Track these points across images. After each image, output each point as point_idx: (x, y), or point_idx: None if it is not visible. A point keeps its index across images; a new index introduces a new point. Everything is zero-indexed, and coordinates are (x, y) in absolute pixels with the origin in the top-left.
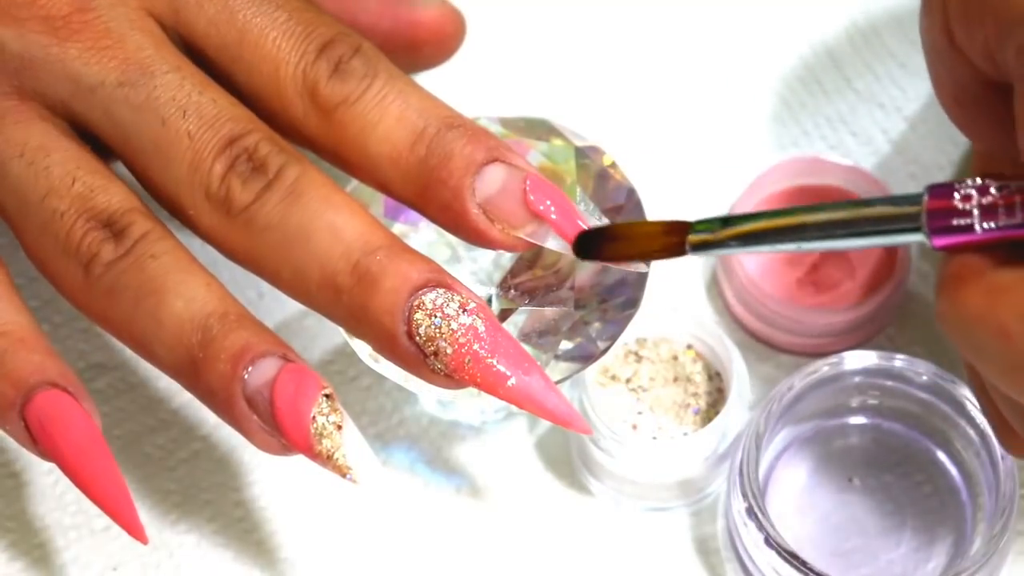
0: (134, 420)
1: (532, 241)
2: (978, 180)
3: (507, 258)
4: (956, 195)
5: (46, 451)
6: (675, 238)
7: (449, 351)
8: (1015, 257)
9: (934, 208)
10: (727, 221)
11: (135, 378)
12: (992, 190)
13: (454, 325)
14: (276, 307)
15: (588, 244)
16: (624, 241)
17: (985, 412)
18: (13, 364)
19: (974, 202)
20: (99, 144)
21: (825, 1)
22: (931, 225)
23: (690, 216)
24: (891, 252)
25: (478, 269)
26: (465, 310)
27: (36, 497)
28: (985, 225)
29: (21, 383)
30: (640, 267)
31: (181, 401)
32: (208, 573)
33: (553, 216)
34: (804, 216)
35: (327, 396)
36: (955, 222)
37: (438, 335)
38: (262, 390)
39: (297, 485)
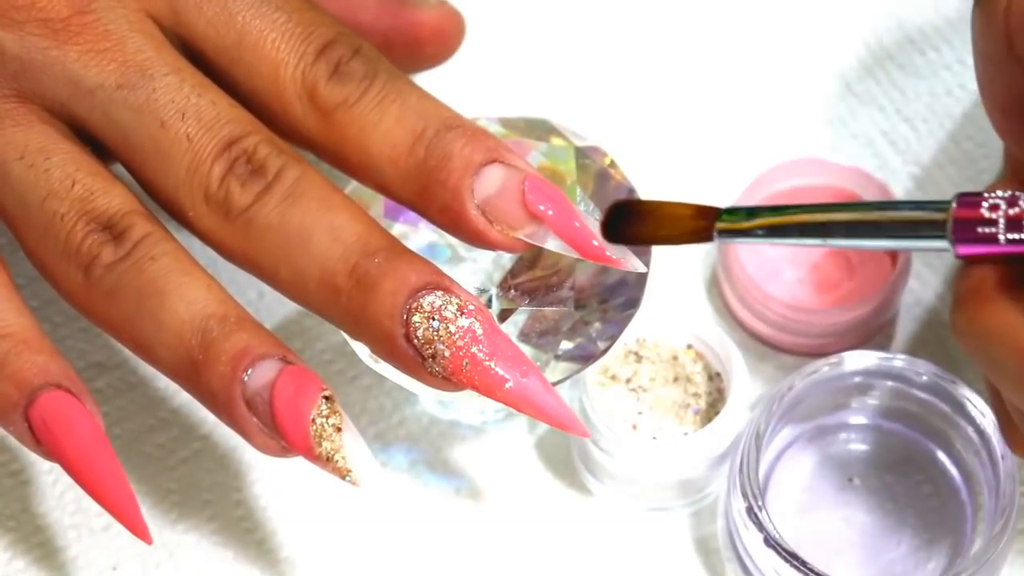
0: (134, 419)
1: (531, 242)
2: (1008, 191)
3: (507, 258)
4: (984, 204)
5: (49, 451)
6: (703, 222)
7: (447, 354)
8: None
9: (961, 216)
10: (754, 212)
11: (135, 377)
12: (1021, 202)
13: (452, 328)
14: (276, 307)
15: (616, 219)
16: (652, 220)
17: (997, 417)
18: (16, 365)
19: (1001, 212)
20: (99, 146)
21: (825, 3)
22: (956, 233)
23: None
24: (892, 253)
25: (478, 269)
26: (463, 313)
27: (36, 497)
28: (1010, 236)
29: (24, 384)
30: (640, 267)
31: (181, 401)
32: (208, 573)
33: (552, 217)
34: (832, 214)
35: (327, 398)
36: (980, 231)
37: (436, 338)
38: (262, 392)
39: (297, 485)
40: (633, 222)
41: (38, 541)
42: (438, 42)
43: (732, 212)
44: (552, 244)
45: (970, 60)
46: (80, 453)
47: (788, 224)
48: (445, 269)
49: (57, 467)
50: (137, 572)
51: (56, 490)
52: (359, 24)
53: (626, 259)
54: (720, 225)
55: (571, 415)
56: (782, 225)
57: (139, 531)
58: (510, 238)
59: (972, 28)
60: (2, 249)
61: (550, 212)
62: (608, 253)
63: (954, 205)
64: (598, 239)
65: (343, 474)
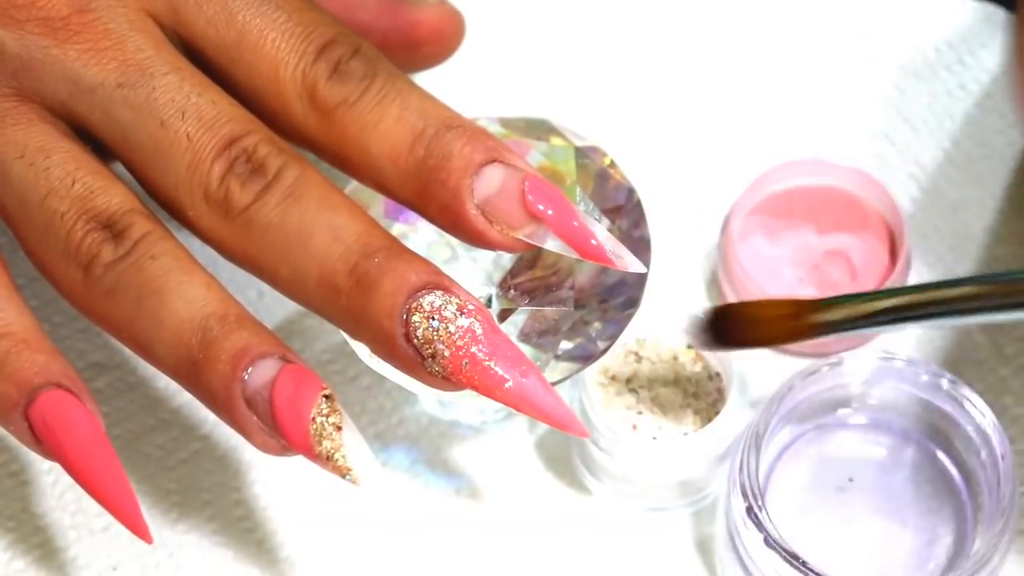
0: (134, 419)
1: (531, 242)
2: None
3: (507, 258)
4: None
5: (50, 451)
6: (804, 317)
7: (447, 354)
8: None
9: None
10: (859, 297)
11: (135, 377)
12: None
13: (451, 328)
14: (276, 307)
15: (711, 327)
16: (756, 324)
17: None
18: (17, 365)
19: None
20: (100, 145)
21: (825, 3)
22: None
23: (690, 215)
24: (892, 253)
25: (478, 269)
26: (463, 312)
27: (36, 497)
28: None
29: (25, 384)
30: (639, 268)
31: (181, 401)
32: (208, 573)
33: (552, 217)
34: (945, 291)
35: (327, 397)
36: None
37: (435, 338)
38: (261, 391)
39: (297, 485)
40: (736, 327)
41: (38, 541)
42: (438, 41)
43: (837, 300)
44: (552, 244)
45: (970, 60)
46: (80, 453)
47: (902, 306)
48: (445, 269)
49: (57, 467)
50: (137, 572)
51: (56, 490)
52: (359, 23)
53: (625, 259)
54: (825, 319)
55: (570, 415)
56: (895, 308)
57: (139, 531)
58: (510, 238)
59: (1011, 22)
60: (2, 248)
61: (550, 212)
62: (607, 254)
63: None
64: (597, 239)
65: (343, 473)
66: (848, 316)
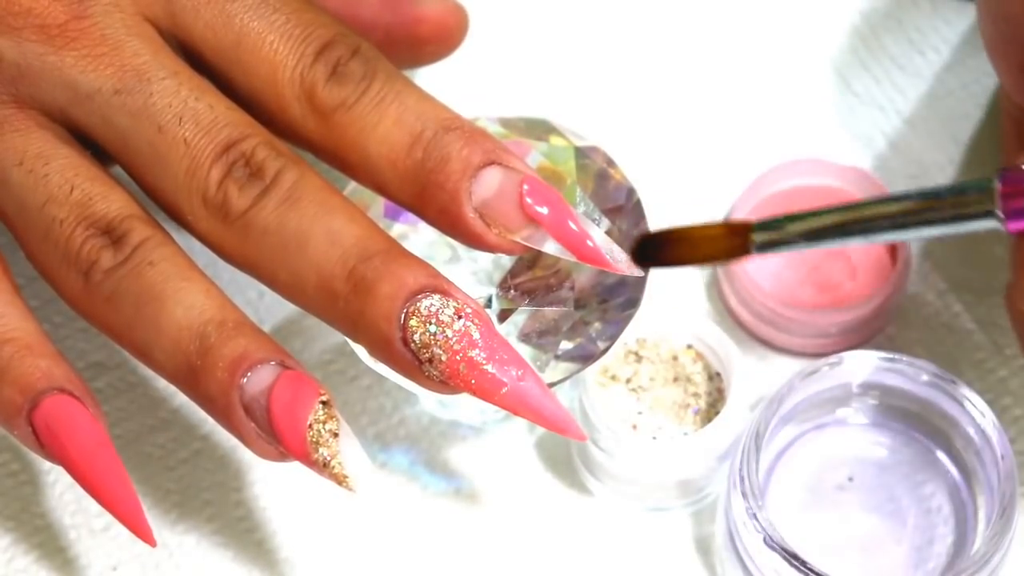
0: (134, 420)
1: (529, 245)
2: None
3: (507, 258)
4: None
5: (54, 455)
6: (738, 239)
7: (444, 358)
8: None
9: (1007, 191)
10: (791, 219)
11: (135, 377)
12: None
13: (449, 332)
14: (276, 307)
15: (646, 249)
16: (686, 244)
17: None
18: (20, 370)
19: None
20: (99, 149)
21: (825, 3)
22: (1006, 209)
23: (690, 215)
24: (892, 253)
25: (478, 269)
26: (460, 316)
27: (36, 497)
28: None
29: (28, 389)
30: (637, 272)
31: (181, 401)
32: (208, 573)
33: (549, 220)
34: (873, 208)
35: (324, 403)
36: None
37: (433, 342)
38: (259, 397)
39: (297, 485)
40: (667, 248)
41: (38, 541)
42: (441, 37)
43: (765, 225)
44: (550, 247)
45: (970, 61)
46: (84, 456)
47: (828, 226)
48: (444, 269)
49: (57, 467)
50: (137, 572)
51: (56, 490)
52: (360, 19)
53: (623, 263)
54: (757, 238)
55: (568, 418)
56: (822, 228)
57: (142, 533)
58: (508, 241)
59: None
60: (3, 249)
61: (547, 215)
62: (605, 257)
63: (997, 183)
64: (594, 242)
65: (339, 480)
66: (782, 236)
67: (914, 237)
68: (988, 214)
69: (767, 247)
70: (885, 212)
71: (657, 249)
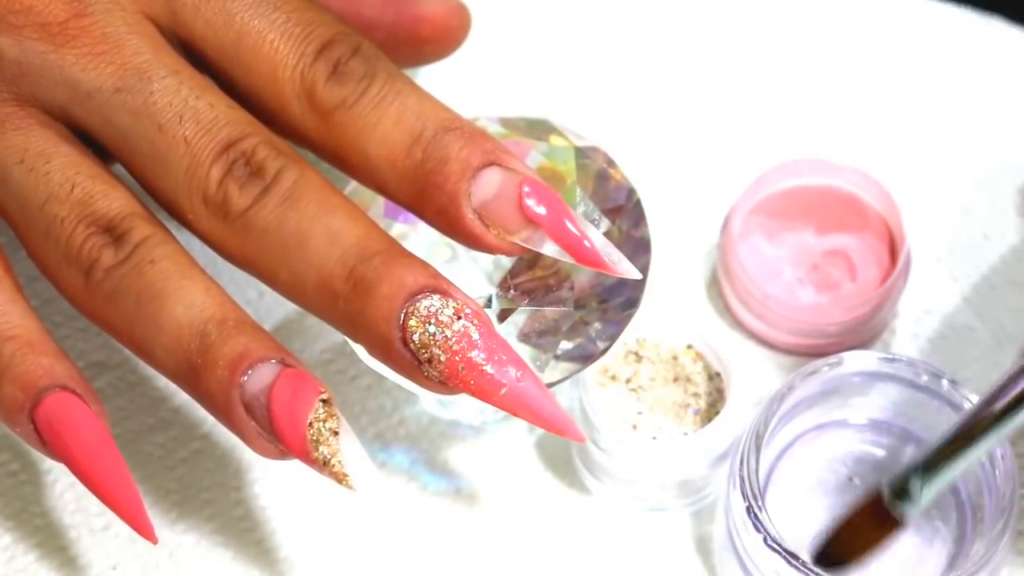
0: (134, 419)
1: (528, 246)
2: None
3: (507, 258)
4: None
5: (55, 453)
6: (889, 524)
7: (443, 358)
8: None
9: None
10: (923, 471)
11: (135, 377)
12: None
13: (448, 332)
14: (276, 306)
15: (825, 562)
16: (855, 544)
17: None
18: (22, 368)
19: None
20: (100, 147)
21: (825, 3)
22: None
23: (690, 215)
24: (892, 253)
25: (478, 269)
26: (460, 317)
27: (36, 497)
28: None
29: (30, 386)
30: (635, 274)
31: (181, 400)
32: (208, 573)
33: (548, 222)
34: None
35: (324, 402)
36: None
37: (432, 342)
38: (259, 396)
39: (297, 484)
40: (841, 554)
41: (38, 541)
42: (443, 36)
43: (900, 495)
44: (548, 249)
45: (972, 62)
46: (86, 454)
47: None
48: (444, 269)
49: (57, 466)
50: (137, 572)
51: (56, 490)
52: (362, 18)
53: (622, 266)
54: (902, 513)
55: (567, 419)
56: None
57: (144, 531)
58: (507, 242)
59: None
60: (4, 247)
61: (546, 217)
62: (604, 259)
63: None
64: (593, 245)
65: (339, 478)
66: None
67: None
68: None
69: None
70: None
71: (833, 555)
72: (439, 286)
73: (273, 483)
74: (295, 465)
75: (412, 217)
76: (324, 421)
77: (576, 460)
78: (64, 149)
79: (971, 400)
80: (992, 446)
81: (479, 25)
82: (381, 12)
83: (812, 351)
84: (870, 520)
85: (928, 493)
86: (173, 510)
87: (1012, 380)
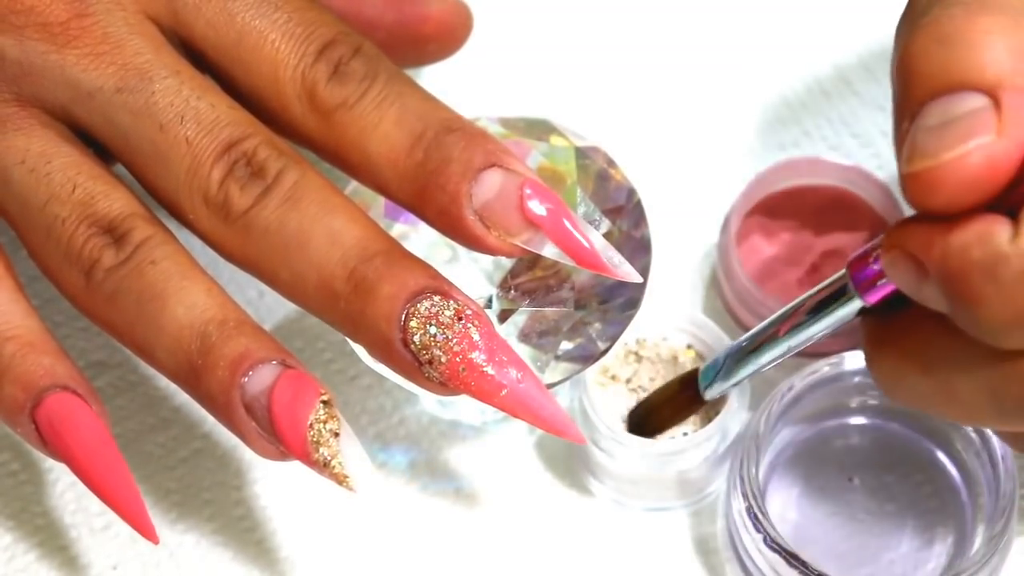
0: (134, 418)
1: (528, 248)
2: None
3: (507, 259)
4: (870, 258)
5: (56, 453)
6: (691, 392)
7: (443, 359)
8: None
9: (855, 273)
10: (718, 365)
11: (135, 376)
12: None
13: (448, 334)
14: (276, 306)
15: (637, 426)
16: (658, 412)
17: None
18: (23, 367)
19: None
20: (101, 147)
21: (826, 3)
22: (858, 287)
23: (690, 215)
24: None
25: (479, 270)
26: (461, 318)
27: (36, 497)
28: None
29: (31, 386)
30: (635, 277)
31: (181, 400)
32: (208, 572)
33: (549, 225)
34: (777, 326)
35: (325, 403)
36: (878, 281)
37: (432, 343)
38: (260, 397)
39: (298, 484)
40: (648, 421)
41: (38, 541)
42: (445, 36)
43: (705, 374)
44: (549, 251)
45: None
46: (86, 454)
47: (752, 363)
48: (445, 269)
49: (57, 466)
50: (137, 572)
51: (56, 490)
52: (364, 17)
53: (623, 269)
54: (707, 391)
55: (567, 420)
56: (747, 365)
57: (145, 531)
58: (507, 244)
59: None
60: (5, 247)
61: (547, 219)
62: (605, 262)
63: (848, 270)
64: (594, 247)
65: (340, 480)
66: (725, 381)
67: (815, 333)
68: (853, 297)
69: (716, 388)
70: (786, 327)
71: (642, 424)
72: (440, 287)
73: (274, 483)
74: (295, 466)
75: (413, 217)
76: (324, 422)
77: (576, 460)
78: (65, 149)
79: None
80: (792, 348)
81: (480, 25)
82: (382, 12)
83: (812, 351)
84: (681, 393)
85: (732, 379)
86: (173, 510)
87: (820, 291)
